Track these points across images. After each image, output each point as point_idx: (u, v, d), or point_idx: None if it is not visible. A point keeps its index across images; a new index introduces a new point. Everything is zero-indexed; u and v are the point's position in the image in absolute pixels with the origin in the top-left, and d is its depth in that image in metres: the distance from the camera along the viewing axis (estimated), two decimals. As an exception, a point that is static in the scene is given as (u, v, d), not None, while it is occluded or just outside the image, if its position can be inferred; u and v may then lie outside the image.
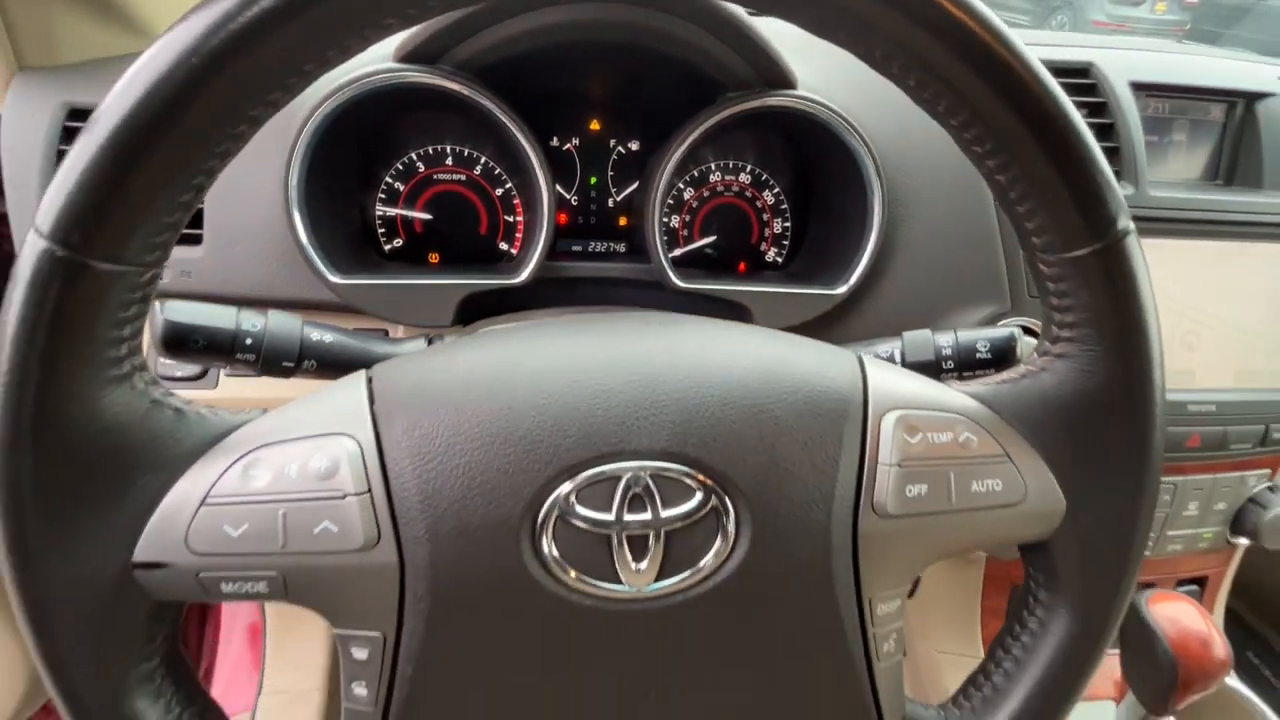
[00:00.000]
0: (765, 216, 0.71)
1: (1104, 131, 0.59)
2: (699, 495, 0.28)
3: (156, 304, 0.38)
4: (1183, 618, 0.54)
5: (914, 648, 0.78)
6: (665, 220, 0.69)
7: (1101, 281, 0.29)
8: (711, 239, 0.71)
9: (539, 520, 0.28)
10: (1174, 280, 0.61)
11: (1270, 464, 0.69)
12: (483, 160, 0.65)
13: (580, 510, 0.28)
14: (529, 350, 0.31)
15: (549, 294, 0.61)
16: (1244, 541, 0.72)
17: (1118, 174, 0.59)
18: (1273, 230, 0.61)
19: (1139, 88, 0.60)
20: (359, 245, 0.65)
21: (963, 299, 0.59)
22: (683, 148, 0.58)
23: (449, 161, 0.65)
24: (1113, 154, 0.59)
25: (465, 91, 0.53)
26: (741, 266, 0.71)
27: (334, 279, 0.53)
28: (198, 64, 0.23)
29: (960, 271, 0.59)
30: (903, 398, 0.32)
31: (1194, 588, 0.75)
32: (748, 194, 0.70)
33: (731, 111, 0.56)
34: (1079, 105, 0.59)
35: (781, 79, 0.56)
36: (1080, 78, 0.60)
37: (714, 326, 0.34)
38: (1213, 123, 0.62)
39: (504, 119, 0.54)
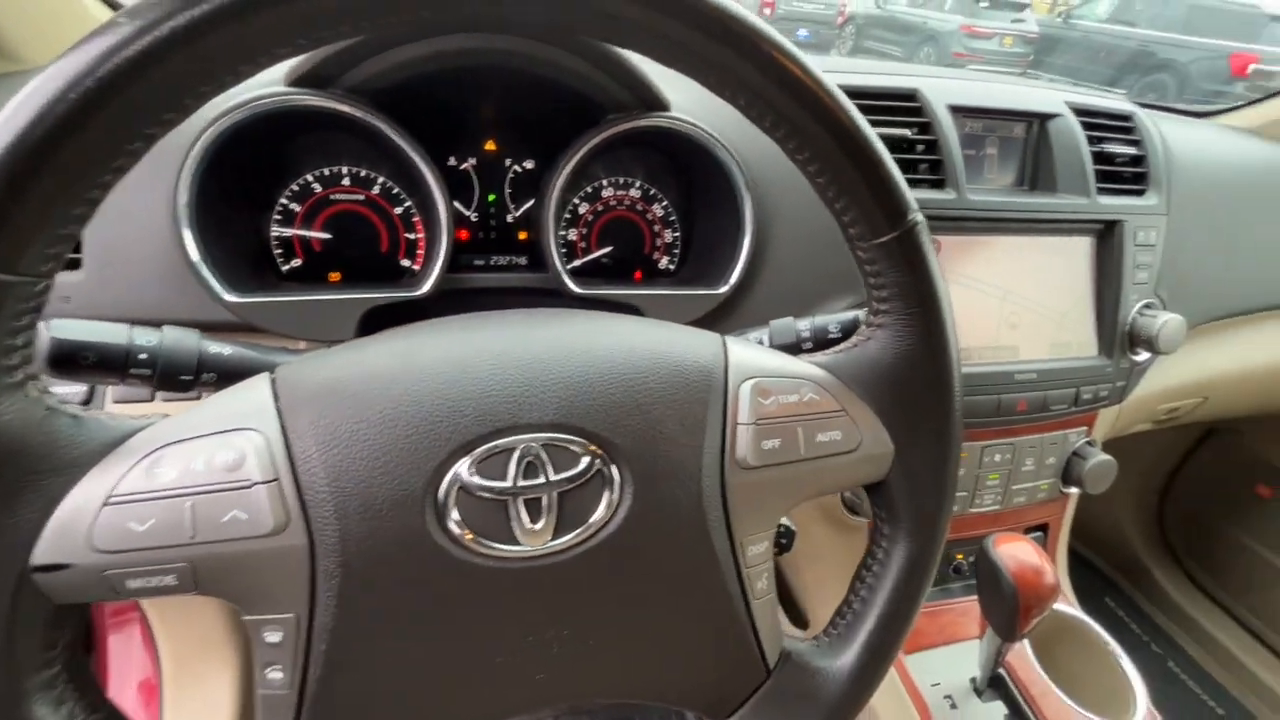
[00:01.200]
0: (656, 228, 0.77)
1: (930, 146, 0.70)
2: (585, 459, 0.32)
3: (41, 324, 0.38)
4: (1020, 553, 0.64)
5: (814, 613, 0.85)
6: (563, 234, 0.74)
7: (902, 261, 0.36)
8: (607, 250, 0.76)
9: (441, 492, 0.31)
10: (995, 271, 0.72)
11: (1085, 422, 0.82)
12: (380, 180, 0.67)
13: (480, 481, 0.31)
14: (426, 343, 0.34)
15: (451, 305, 0.64)
16: (1074, 490, 0.85)
17: (941, 182, 0.70)
18: (1067, 225, 0.74)
19: (956, 110, 0.71)
20: (255, 267, 0.65)
21: (827, 292, 0.67)
22: (570, 166, 0.63)
23: (346, 182, 0.66)
24: (937, 165, 0.70)
25: (357, 114, 0.56)
26: (638, 275, 0.77)
27: (230, 298, 0.54)
28: (92, 86, 0.25)
29: (823, 268, 0.67)
30: (757, 368, 0.37)
31: (1039, 534, 0.87)
32: (638, 208, 0.76)
33: (612, 132, 0.61)
34: (908, 124, 0.69)
35: (656, 102, 0.62)
36: (908, 101, 0.70)
37: (595, 317, 0.38)
38: (1017, 139, 0.75)
39: (398, 140, 0.57)
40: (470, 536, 0.31)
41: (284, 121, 0.57)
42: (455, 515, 0.31)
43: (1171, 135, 0.83)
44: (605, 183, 0.75)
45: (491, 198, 0.73)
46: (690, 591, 0.35)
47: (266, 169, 0.63)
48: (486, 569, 0.31)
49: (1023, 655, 0.75)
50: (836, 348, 0.41)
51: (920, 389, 0.38)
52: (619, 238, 0.76)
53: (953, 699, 0.72)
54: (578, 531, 0.32)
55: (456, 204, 0.71)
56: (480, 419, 0.31)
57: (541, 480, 0.32)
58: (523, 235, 0.74)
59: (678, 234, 0.77)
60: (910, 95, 0.71)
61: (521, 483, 0.31)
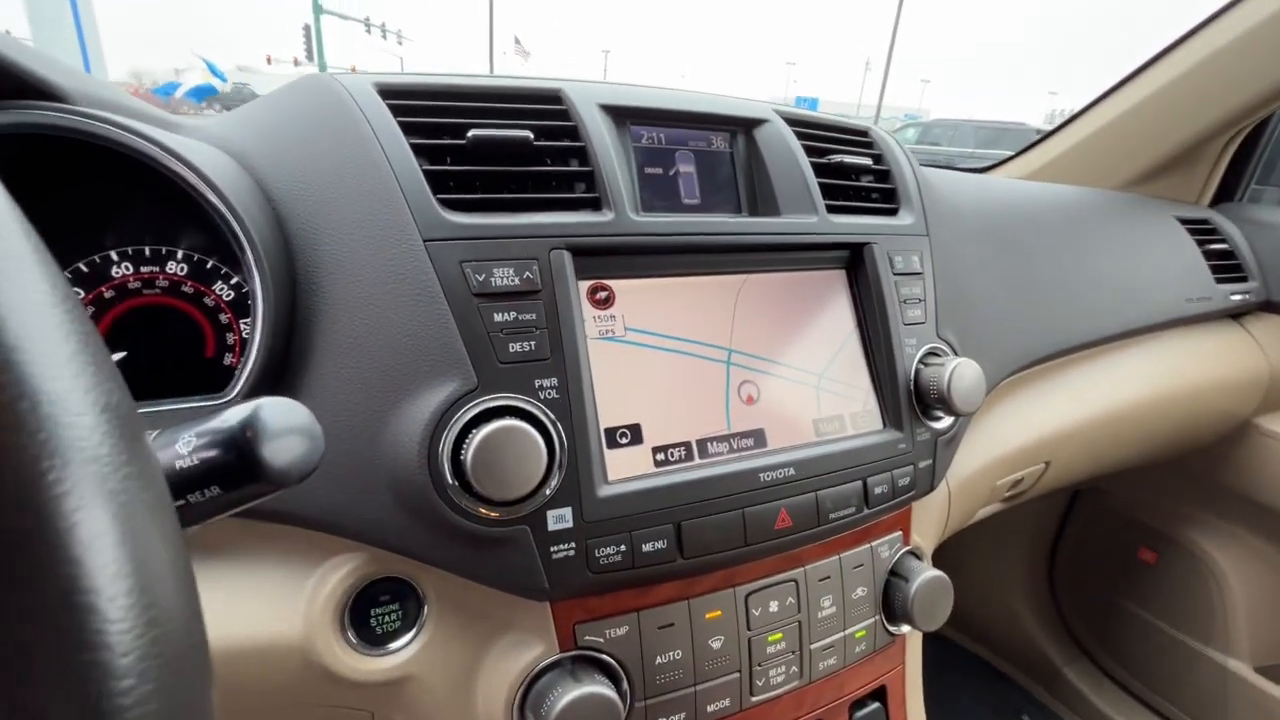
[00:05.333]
0: (225, 317, 0.49)
1: (582, 156, 0.48)
2: None
3: None
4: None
5: None
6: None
7: None
8: (121, 355, 0.46)
9: None
10: (708, 325, 0.49)
11: (898, 525, 0.58)
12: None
13: None
14: None
15: None
16: (906, 629, 0.59)
17: (596, 202, 0.48)
18: (799, 254, 0.54)
19: (617, 111, 0.51)
20: None
21: (419, 375, 0.41)
22: None
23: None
24: (589, 179, 0.48)
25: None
26: None
27: None
28: None
29: (409, 345, 0.41)
30: None
31: (876, 705, 0.59)
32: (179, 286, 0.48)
33: None
34: (552, 130, 0.47)
35: (27, 85, 0.36)
36: (551, 103, 0.50)
37: None
38: (719, 153, 0.56)
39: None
40: None
41: None
42: None
43: (923, 171, 0.68)
44: (114, 254, 0.46)
45: None
46: None
47: None
48: None
49: None
50: None
51: None
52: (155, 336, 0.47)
53: None
54: None
55: None
56: None
57: None
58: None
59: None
60: (553, 96, 0.50)
61: None
